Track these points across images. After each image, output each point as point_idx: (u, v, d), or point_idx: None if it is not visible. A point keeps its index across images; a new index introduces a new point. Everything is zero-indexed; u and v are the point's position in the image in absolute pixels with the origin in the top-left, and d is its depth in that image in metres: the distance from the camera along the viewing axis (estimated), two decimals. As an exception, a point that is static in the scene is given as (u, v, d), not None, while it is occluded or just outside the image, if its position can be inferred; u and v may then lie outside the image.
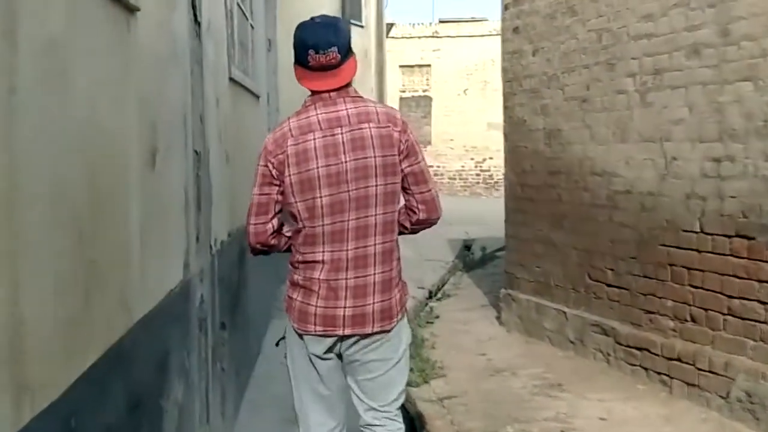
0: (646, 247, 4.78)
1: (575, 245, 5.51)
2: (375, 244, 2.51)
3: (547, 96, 5.79)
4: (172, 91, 2.67)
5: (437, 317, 6.97)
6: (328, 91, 2.52)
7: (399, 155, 2.52)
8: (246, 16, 5.20)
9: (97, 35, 1.83)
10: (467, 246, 10.70)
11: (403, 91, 20.87)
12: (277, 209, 2.57)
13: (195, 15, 3.07)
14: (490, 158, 19.85)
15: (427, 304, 7.59)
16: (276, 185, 2.53)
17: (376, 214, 2.51)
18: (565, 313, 5.59)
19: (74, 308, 1.61)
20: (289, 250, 2.64)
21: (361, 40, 12.79)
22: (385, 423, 2.65)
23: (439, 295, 8.15)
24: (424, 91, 20.91)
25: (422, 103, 20.89)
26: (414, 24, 21.03)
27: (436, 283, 8.52)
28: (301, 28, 2.53)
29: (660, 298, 4.67)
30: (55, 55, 1.51)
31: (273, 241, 2.62)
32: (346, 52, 2.52)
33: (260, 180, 2.56)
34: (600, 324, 5.21)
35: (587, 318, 5.34)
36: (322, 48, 2.47)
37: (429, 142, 20.50)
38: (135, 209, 2.12)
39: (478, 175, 20.52)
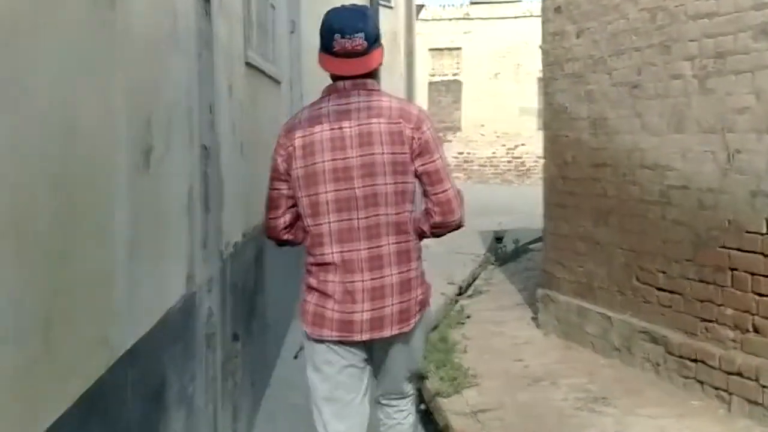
0: (703, 248, 4.36)
1: (621, 244, 5.09)
2: (389, 244, 2.42)
3: (592, 81, 5.36)
4: (173, 79, 2.35)
5: (468, 317, 6.58)
6: (345, 79, 2.43)
7: (411, 153, 2.41)
8: (266, -5, 4.82)
9: (68, 13, 1.48)
10: (498, 238, 10.22)
11: (433, 75, 20.41)
12: (289, 204, 2.51)
13: (203, -9, 2.72)
14: (522, 144, 19.43)
15: (457, 302, 7.20)
16: (284, 180, 2.48)
17: (387, 213, 2.41)
18: (609, 317, 5.18)
19: (30, 355, 1.28)
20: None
21: (389, 22, 12.38)
22: (398, 402, 2.71)
23: (469, 292, 7.75)
24: (454, 75, 20.43)
25: (452, 87, 20.42)
26: (444, 5, 20.62)
27: (466, 279, 8.13)
28: (329, 13, 2.47)
29: (719, 305, 4.26)
30: (6, 35, 1.17)
31: (286, 236, 2.56)
32: (373, 41, 2.43)
33: (271, 174, 2.53)
34: (649, 331, 4.79)
35: (634, 324, 4.93)
36: (348, 33, 2.38)
37: (459, 128, 20.10)
38: (122, 219, 1.80)
39: (509, 162, 20.05)
